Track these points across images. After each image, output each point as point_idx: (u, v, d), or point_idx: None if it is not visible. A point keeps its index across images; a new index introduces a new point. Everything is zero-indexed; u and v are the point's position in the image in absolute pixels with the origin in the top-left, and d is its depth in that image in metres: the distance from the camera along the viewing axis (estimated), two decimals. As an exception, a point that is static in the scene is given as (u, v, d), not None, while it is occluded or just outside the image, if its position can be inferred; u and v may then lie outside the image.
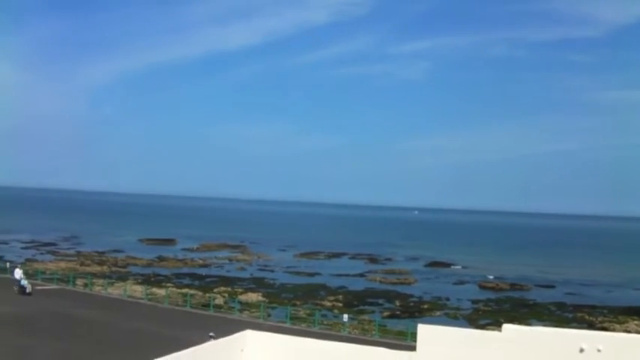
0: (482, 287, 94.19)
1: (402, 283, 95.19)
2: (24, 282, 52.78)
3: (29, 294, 51.66)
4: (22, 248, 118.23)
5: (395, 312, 70.11)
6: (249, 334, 20.48)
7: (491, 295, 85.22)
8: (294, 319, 50.92)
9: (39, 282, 60.86)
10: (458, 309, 73.34)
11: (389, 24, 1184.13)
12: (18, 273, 54.60)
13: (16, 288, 52.19)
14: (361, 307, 71.80)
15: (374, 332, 48.08)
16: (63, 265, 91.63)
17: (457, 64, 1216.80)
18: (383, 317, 64.64)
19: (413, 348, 18.53)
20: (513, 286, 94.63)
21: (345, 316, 50.49)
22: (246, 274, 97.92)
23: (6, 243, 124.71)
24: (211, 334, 40.57)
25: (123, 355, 35.04)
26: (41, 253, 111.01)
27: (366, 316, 63.15)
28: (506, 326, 17.69)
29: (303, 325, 49.08)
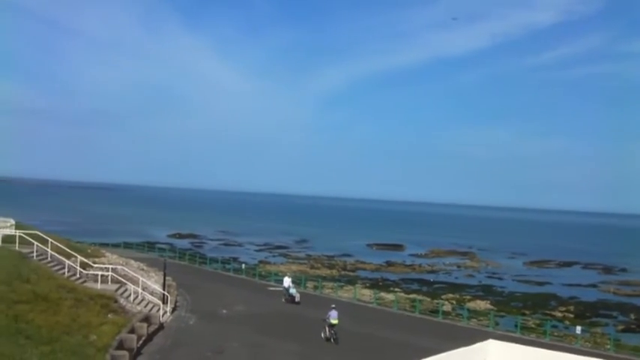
0: None
1: (638, 296, 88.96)
2: (293, 290, 52.56)
3: (298, 303, 51.46)
4: (255, 250, 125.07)
5: (630, 326, 66.01)
6: (492, 343, 19.59)
7: None
8: (524, 329, 48.94)
9: (272, 283, 63.68)
10: None
11: (622, 21, 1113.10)
12: (287, 281, 54.06)
13: (284, 297, 52.46)
14: (593, 319, 68.47)
15: (608, 347, 44.84)
16: (294, 267, 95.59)
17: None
18: (617, 331, 61.59)
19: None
20: None
21: (578, 328, 47.66)
22: (474, 282, 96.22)
23: (240, 245, 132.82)
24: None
25: (354, 357, 35.59)
26: (273, 256, 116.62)
27: (598, 329, 60.25)
28: None
29: (533, 335, 46.98)
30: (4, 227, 50.53)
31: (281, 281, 60.30)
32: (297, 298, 51.88)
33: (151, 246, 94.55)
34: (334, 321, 39.04)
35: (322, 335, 39.37)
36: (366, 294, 63.95)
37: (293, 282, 55.30)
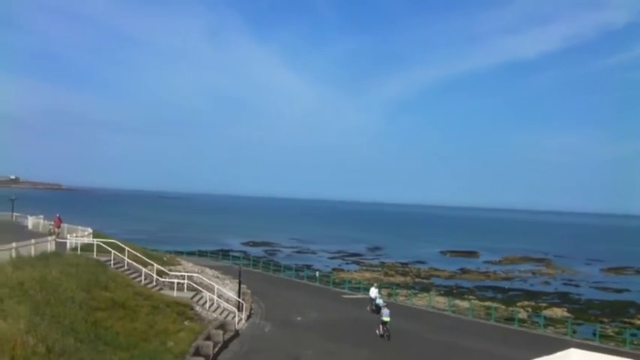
0: None
1: None
2: (380, 301, 49.96)
3: None
4: (328, 258, 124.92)
5: None
6: (574, 352, 18.65)
7: None
8: (602, 337, 47.29)
9: (346, 291, 63.33)
10: None
11: None
12: (373, 292, 52.42)
13: (370, 308, 50.81)
14: (676, 328, 65.10)
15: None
16: (367, 275, 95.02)
17: None
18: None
19: None
20: None
21: None
22: (550, 289, 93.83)
23: (314, 253, 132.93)
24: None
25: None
26: (347, 263, 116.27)
27: (681, 339, 57.47)
28: None
29: (612, 343, 45.32)
30: (82, 236, 51.64)
31: (355, 289, 59.91)
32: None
33: (225, 254, 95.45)
34: (386, 318, 41.24)
35: (377, 332, 41.68)
36: (441, 301, 62.98)
37: (379, 292, 53.95)
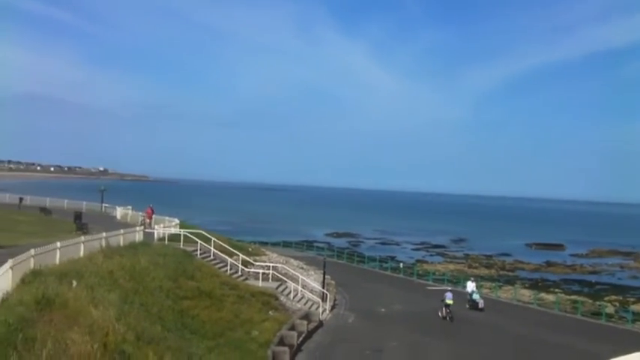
0: None
1: None
2: (476, 296, 49.10)
3: (481, 309, 47.67)
4: (412, 249, 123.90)
5: None
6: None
7: None
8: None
9: (430, 283, 62.63)
10: None
11: None
12: (470, 286, 50.70)
13: (467, 303, 48.74)
14: None
15: None
16: (451, 267, 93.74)
17: None
18: None
19: None
20: None
21: None
22: (638, 283, 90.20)
23: (397, 244, 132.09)
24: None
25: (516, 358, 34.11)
26: (431, 255, 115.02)
27: None
28: None
29: None
30: (169, 226, 52.59)
31: (440, 281, 59.10)
32: (481, 304, 48.21)
33: (309, 245, 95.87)
34: (449, 301, 43.20)
35: (439, 314, 43.59)
36: (526, 294, 61.43)
37: (478, 287, 52.74)
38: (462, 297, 49.48)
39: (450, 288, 49.16)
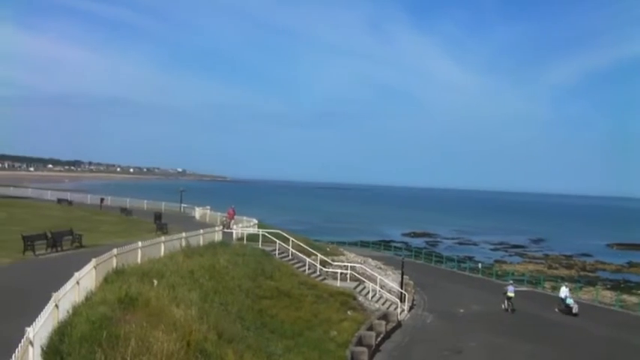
0: None
1: None
2: (570, 300, 47.13)
3: (575, 314, 45.42)
4: (490, 249, 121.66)
5: None
6: None
7: None
8: None
9: (509, 283, 61.19)
10: None
11: None
12: (564, 291, 48.56)
13: (558, 307, 47.34)
14: None
15: None
16: (531, 267, 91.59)
17: None
18: None
19: None
20: None
21: None
22: None
23: (475, 244, 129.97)
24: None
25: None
26: (509, 255, 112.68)
27: None
28: None
29: None
30: (248, 226, 52.93)
31: (519, 282, 57.76)
32: (575, 309, 46.09)
33: (386, 245, 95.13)
34: (511, 294, 45.70)
35: (502, 307, 45.78)
36: (607, 296, 59.38)
37: (571, 291, 50.60)
38: (546, 299, 48.31)
39: (511, 282, 50.80)
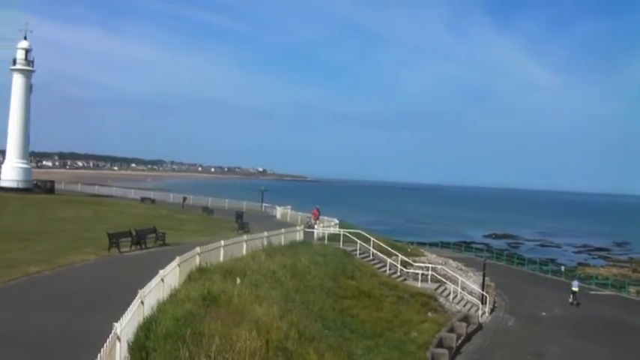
0: None
1: None
2: None
3: None
4: (573, 252, 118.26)
5: None
6: None
7: None
8: None
9: (592, 287, 59.26)
10: None
11: None
12: None
13: None
14: None
15: None
16: (614, 270, 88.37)
17: None
18: None
19: None
20: None
21: None
22: None
23: (558, 246, 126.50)
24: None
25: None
26: (593, 258, 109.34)
27: None
28: None
29: None
30: (329, 226, 52.74)
31: (603, 285, 55.80)
32: None
33: (467, 246, 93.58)
34: (575, 288, 48.10)
35: (569, 301, 47.51)
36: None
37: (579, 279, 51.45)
38: (630, 303, 46.60)
39: (577, 278, 53.52)
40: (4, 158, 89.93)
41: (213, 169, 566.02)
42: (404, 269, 44.18)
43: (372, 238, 46.29)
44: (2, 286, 23.29)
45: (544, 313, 44.10)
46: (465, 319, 36.52)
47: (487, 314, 42.06)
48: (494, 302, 46.34)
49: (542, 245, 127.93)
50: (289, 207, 72.67)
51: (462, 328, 34.34)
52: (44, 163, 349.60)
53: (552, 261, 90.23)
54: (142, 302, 15.67)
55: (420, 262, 47.61)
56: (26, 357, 14.99)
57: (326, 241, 44.84)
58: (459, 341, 32.71)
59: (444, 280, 44.56)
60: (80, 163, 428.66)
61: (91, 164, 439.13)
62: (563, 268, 71.97)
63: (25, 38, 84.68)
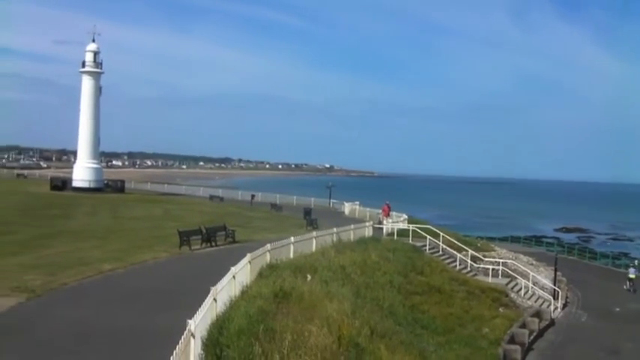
0: None
1: None
2: None
3: None
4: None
5: None
6: None
7: None
8: None
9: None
10: None
11: None
12: None
13: None
14: None
15: None
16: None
17: None
18: None
19: None
20: None
21: None
22: None
23: (631, 240, 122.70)
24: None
25: None
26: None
27: None
28: None
29: None
30: (398, 222, 52.22)
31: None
32: None
33: (537, 240, 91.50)
34: (632, 275, 49.61)
35: (624, 287, 48.97)
36: None
37: None
38: None
39: (633, 265, 54.70)
40: (75, 159, 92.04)
41: (280, 166, 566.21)
42: (474, 264, 43.43)
43: (441, 233, 45.63)
44: (77, 284, 23.84)
45: (618, 309, 42.71)
46: (537, 314, 35.71)
47: (559, 309, 41.11)
48: (567, 297, 45.19)
49: (614, 239, 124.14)
50: (357, 203, 72.28)
51: (535, 324, 33.60)
52: (114, 162, 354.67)
53: (625, 255, 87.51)
54: (215, 299, 15.72)
55: (490, 257, 46.66)
56: (101, 354, 15.26)
57: (395, 237, 44.41)
58: (532, 337, 32.03)
59: (514, 275, 43.66)
60: (149, 162, 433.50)
61: (160, 163, 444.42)
62: (637, 262, 69.64)
63: (94, 41, 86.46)
